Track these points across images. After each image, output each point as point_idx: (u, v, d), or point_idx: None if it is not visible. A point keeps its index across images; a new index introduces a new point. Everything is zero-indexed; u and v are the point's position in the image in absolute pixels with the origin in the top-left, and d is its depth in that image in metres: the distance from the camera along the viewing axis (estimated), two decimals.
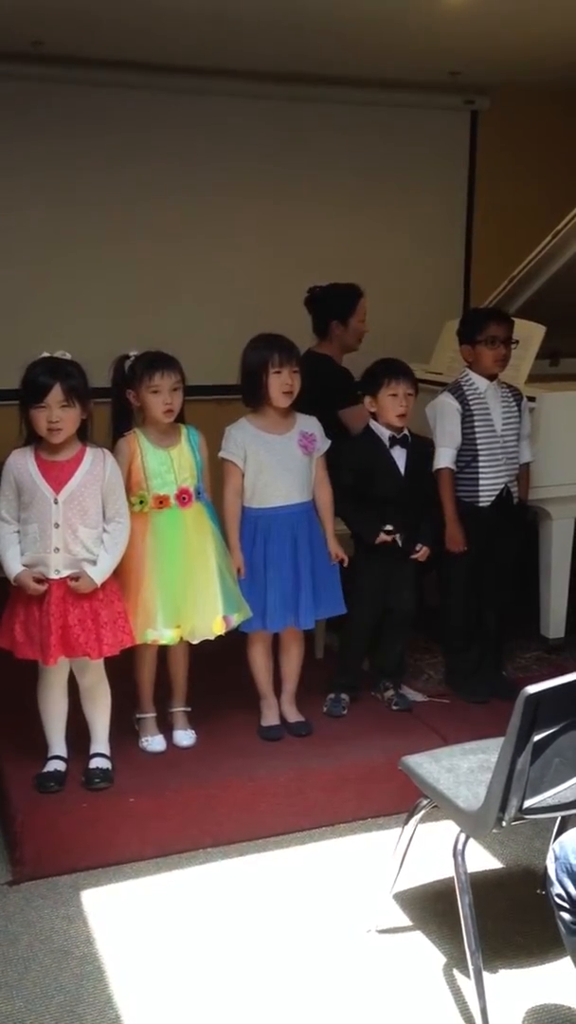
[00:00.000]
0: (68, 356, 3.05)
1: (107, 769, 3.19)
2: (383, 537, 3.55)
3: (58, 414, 2.97)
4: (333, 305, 4.19)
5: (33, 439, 3.06)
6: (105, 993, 2.55)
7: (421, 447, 3.70)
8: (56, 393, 2.96)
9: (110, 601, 3.10)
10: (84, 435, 3.08)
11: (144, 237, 5.42)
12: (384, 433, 3.62)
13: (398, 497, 3.58)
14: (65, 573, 3.03)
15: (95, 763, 3.20)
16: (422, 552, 3.62)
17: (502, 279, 4.59)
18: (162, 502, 3.26)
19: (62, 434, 3.00)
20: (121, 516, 3.12)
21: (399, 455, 3.62)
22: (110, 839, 3.09)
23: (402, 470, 3.62)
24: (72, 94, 5.16)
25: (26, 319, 5.18)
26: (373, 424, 3.64)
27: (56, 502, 3.01)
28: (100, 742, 3.26)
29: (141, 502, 3.25)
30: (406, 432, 3.64)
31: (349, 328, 4.20)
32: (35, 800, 3.11)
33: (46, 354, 3.05)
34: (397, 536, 3.58)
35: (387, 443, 3.61)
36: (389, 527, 3.56)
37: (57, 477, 3.02)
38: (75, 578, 3.03)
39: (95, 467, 3.06)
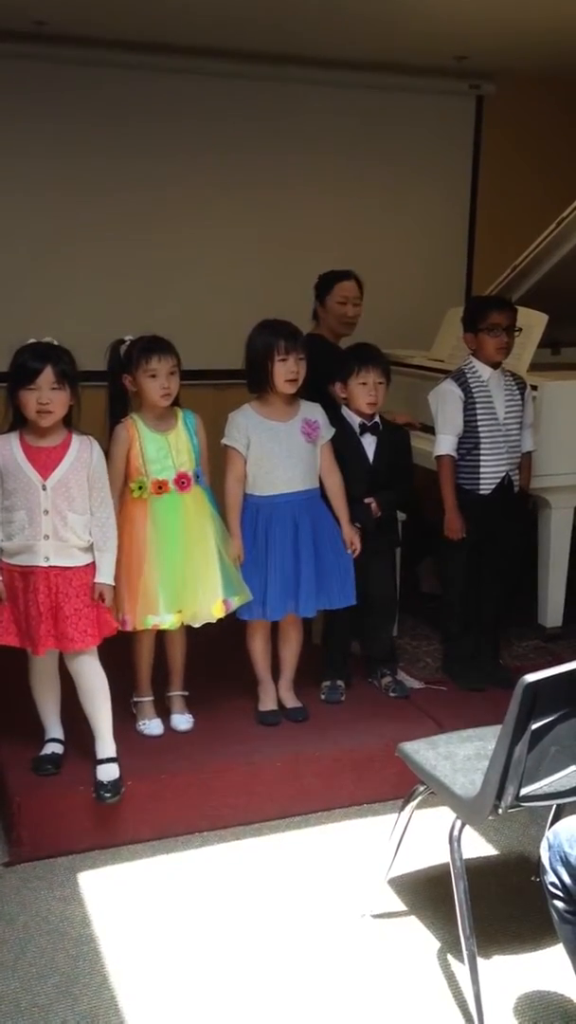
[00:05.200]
0: (56, 342, 3.04)
1: (116, 780, 3.06)
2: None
3: (49, 396, 2.95)
4: (317, 287, 4.26)
5: (18, 424, 3.04)
6: (101, 974, 2.56)
7: (394, 435, 3.69)
8: (48, 375, 2.95)
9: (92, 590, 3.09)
10: (69, 422, 3.07)
11: (143, 221, 5.39)
12: (355, 420, 3.62)
13: (369, 485, 3.59)
14: (55, 561, 3.01)
15: (104, 774, 3.07)
16: (372, 504, 3.60)
17: (505, 267, 4.58)
18: (161, 487, 3.25)
19: (52, 417, 2.98)
20: (106, 506, 3.09)
21: (369, 443, 3.62)
22: (107, 821, 3.10)
23: (371, 458, 3.62)
24: (72, 75, 5.11)
25: (24, 303, 5.16)
26: (344, 410, 3.64)
27: (44, 488, 2.99)
28: (106, 743, 3.12)
29: (140, 488, 3.24)
30: (377, 420, 3.64)
31: (327, 309, 4.22)
32: (32, 782, 3.12)
33: (33, 340, 3.04)
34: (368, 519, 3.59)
35: (357, 430, 3.61)
36: (356, 524, 3.56)
37: (44, 463, 3.00)
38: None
39: (82, 453, 3.04)
